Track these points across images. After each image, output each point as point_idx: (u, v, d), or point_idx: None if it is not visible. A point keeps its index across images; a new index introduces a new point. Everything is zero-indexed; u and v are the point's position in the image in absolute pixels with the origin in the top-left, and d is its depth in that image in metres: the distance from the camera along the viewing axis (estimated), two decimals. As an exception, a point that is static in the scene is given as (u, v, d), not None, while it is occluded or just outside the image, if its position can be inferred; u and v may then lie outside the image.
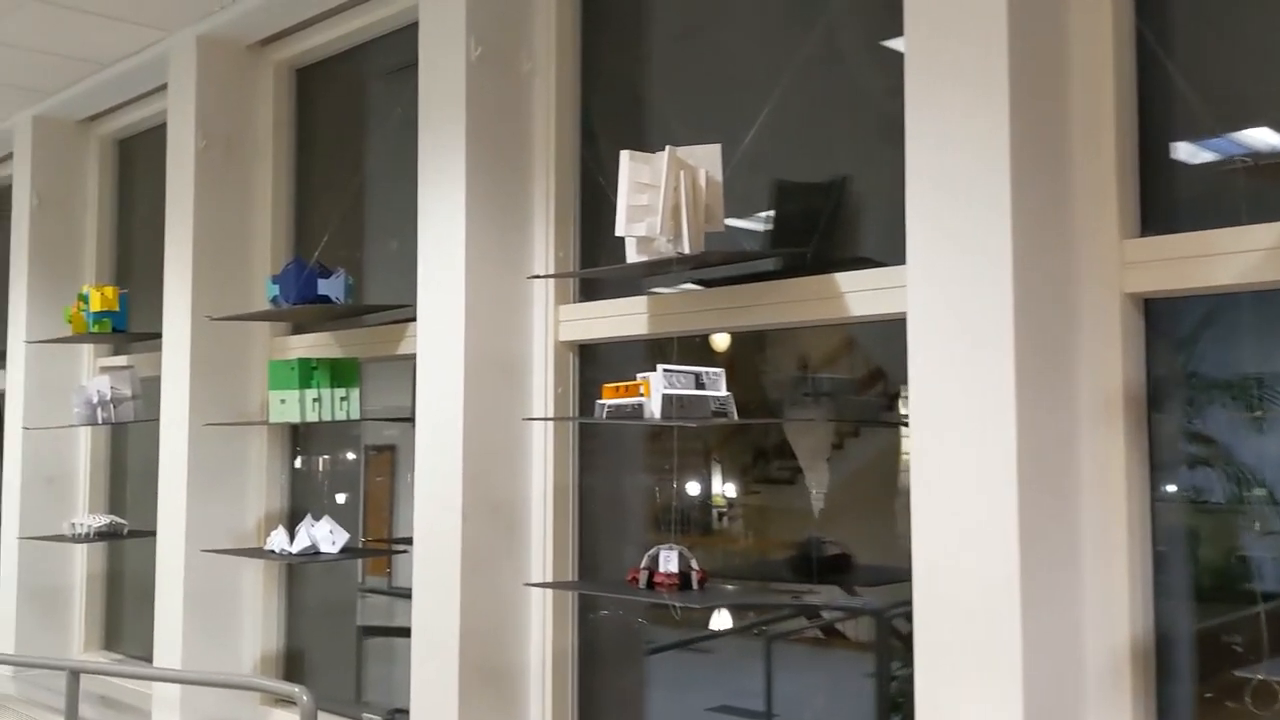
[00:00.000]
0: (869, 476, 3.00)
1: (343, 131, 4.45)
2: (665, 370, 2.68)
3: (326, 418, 3.75)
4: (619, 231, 2.74)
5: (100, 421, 4.65)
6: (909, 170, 2.28)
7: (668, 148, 2.68)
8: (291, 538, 3.79)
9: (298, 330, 4.37)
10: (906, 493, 2.50)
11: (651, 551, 2.75)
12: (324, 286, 3.77)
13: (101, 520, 4.71)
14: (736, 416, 2.65)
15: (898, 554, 2.94)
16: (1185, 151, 2.33)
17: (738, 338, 3.10)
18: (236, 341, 4.32)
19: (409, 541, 4.10)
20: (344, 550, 3.76)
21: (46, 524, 5.16)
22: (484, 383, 3.23)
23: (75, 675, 4.07)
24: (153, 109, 5.13)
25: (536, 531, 3.29)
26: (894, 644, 2.88)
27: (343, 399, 3.80)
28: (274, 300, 3.83)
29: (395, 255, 4.30)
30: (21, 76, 4.89)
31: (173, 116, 4.41)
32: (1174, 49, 2.27)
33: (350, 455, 4.46)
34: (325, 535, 3.75)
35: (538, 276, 3.22)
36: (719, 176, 2.73)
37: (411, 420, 4.01)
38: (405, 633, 4.33)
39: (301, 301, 3.72)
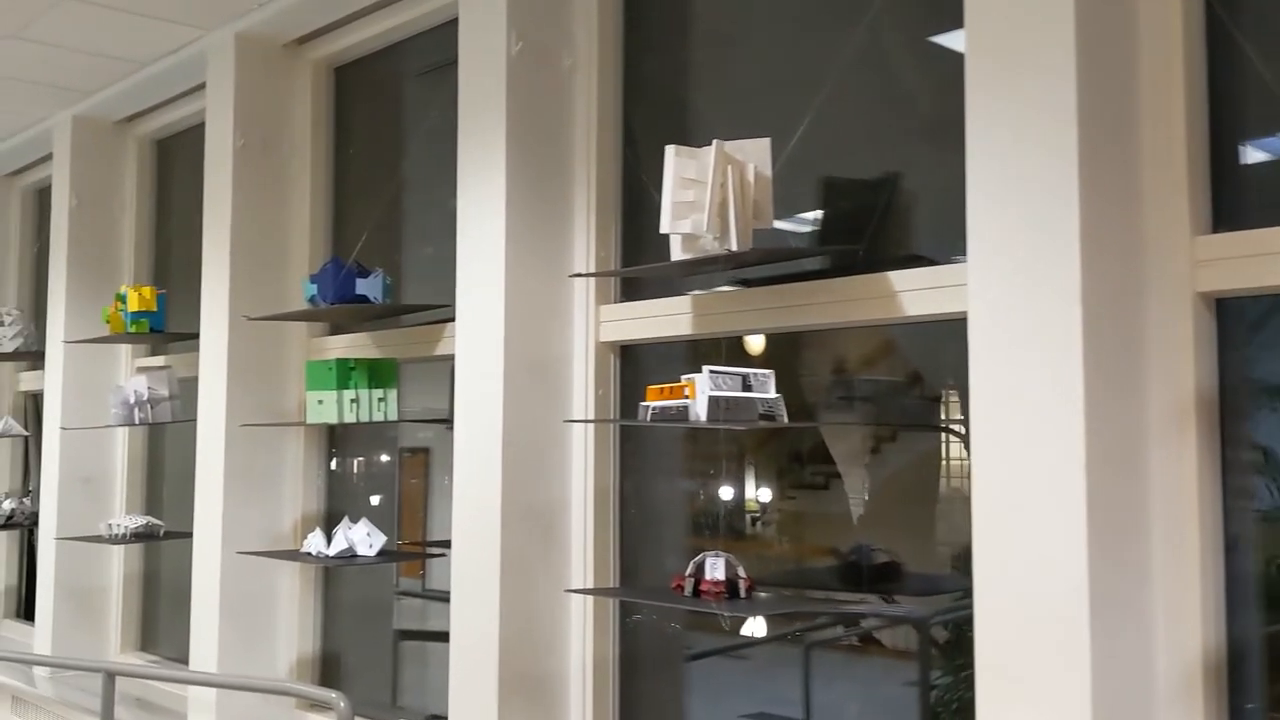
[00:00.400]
0: (908, 482, 2.92)
1: (380, 130, 4.41)
2: (711, 372, 2.61)
3: (364, 419, 3.71)
4: (664, 228, 2.67)
5: (138, 422, 4.63)
6: (970, 165, 2.20)
7: (715, 142, 2.61)
8: (328, 540, 3.74)
9: (335, 331, 4.34)
10: (949, 498, 2.43)
11: (697, 558, 2.68)
12: (362, 286, 3.73)
13: (138, 521, 4.69)
14: (786, 419, 2.57)
15: (939, 561, 2.87)
16: (1259, 145, 2.23)
17: (771, 340, 3.03)
18: (273, 342, 4.29)
19: (446, 544, 4.07)
20: (381, 553, 3.71)
21: (83, 525, 5.16)
22: (524, 384, 3.17)
23: (111, 677, 4.05)
24: (190, 109, 5.11)
25: (576, 536, 3.23)
26: (936, 652, 2.79)
27: (380, 400, 3.75)
28: (311, 300, 3.79)
29: (432, 255, 4.25)
30: (61, 76, 4.89)
31: (211, 115, 4.39)
32: (1247, 38, 2.18)
33: (385, 457, 4.42)
34: (362, 538, 3.70)
35: (580, 275, 3.15)
36: (768, 172, 2.66)
37: (447, 422, 3.97)
38: (441, 636, 4.28)
39: (339, 301, 3.68)
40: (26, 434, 5.98)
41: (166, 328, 4.73)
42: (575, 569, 3.22)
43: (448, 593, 4.28)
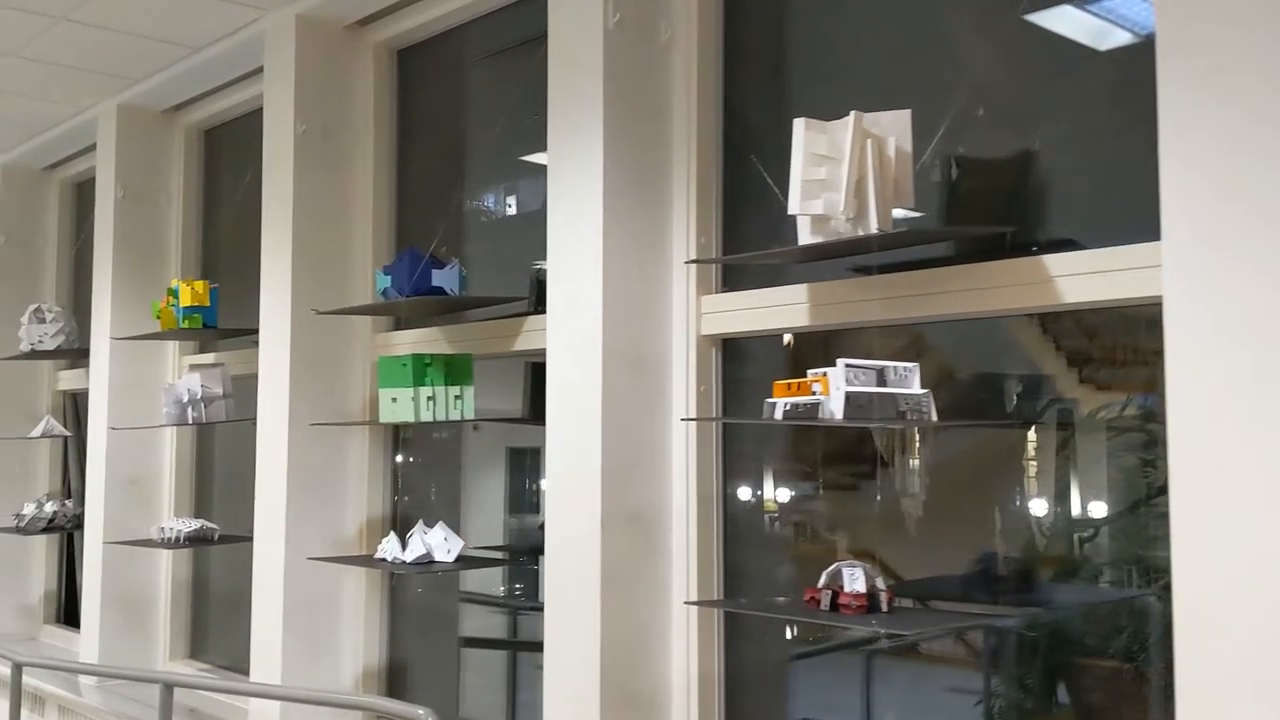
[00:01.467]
0: (1031, 483, 2.70)
1: (445, 116, 4.21)
2: (847, 365, 2.40)
3: (440, 418, 3.51)
4: (792, 210, 2.47)
5: (190, 421, 4.44)
6: (1164, 134, 1.98)
7: (853, 113, 2.40)
8: (403, 545, 3.55)
9: (400, 325, 4.14)
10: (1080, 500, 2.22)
11: (831, 569, 2.47)
12: (438, 277, 3.52)
13: (191, 525, 4.50)
14: (935, 416, 2.36)
15: (1079, 569, 2.66)
16: None
17: (879, 334, 2.81)
18: (337, 337, 4.09)
19: (524, 550, 3.86)
20: (459, 559, 3.51)
21: (130, 528, 4.97)
22: (622, 381, 2.96)
23: (169, 689, 3.86)
24: (239, 97, 4.93)
25: (679, 543, 3.02)
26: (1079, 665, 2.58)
27: (457, 397, 3.55)
28: (384, 292, 3.59)
29: (501, 246, 4.06)
30: (108, 62, 4.70)
31: (270, 101, 4.19)
32: None
33: (454, 457, 4.22)
34: (440, 543, 3.50)
35: (697, 261, 2.91)
36: (908, 147, 2.44)
37: (523, 420, 3.77)
38: (512, 645, 4.11)
39: (416, 293, 3.48)
40: (68, 434, 5.79)
41: (218, 323, 4.54)
42: (677, 578, 3.02)
43: (517, 598, 4.13)
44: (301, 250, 4.03)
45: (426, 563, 3.47)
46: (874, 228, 2.38)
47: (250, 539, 4.24)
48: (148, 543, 4.61)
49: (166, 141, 5.27)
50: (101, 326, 5.12)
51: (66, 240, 6.33)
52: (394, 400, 3.56)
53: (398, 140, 4.25)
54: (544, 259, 3.69)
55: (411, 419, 3.48)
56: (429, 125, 4.24)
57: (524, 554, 3.80)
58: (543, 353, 3.21)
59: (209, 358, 4.93)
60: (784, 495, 3.12)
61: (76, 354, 5.58)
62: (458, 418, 3.54)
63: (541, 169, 3.73)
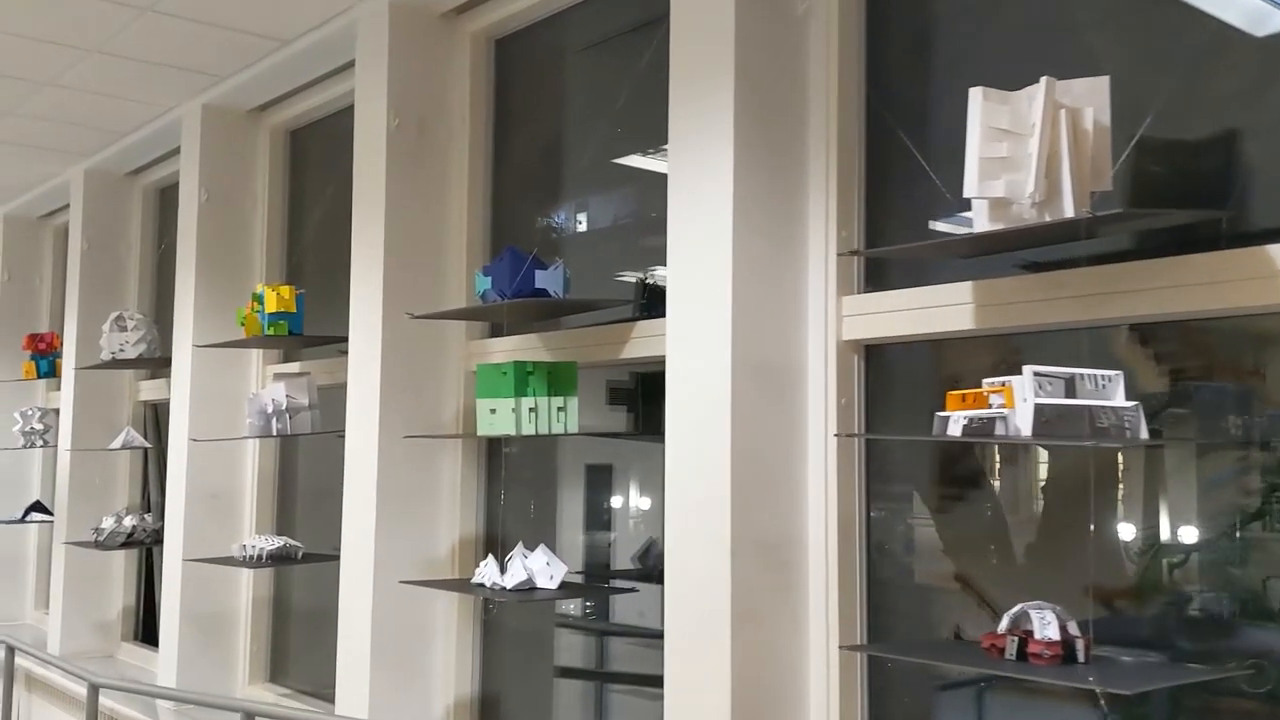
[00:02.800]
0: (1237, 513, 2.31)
1: (545, 109, 3.94)
2: (1036, 373, 2.06)
3: (542, 431, 3.21)
4: (968, 193, 2.14)
5: (275, 433, 4.22)
6: None
7: (1044, 80, 2.06)
8: (502, 569, 3.26)
9: (495, 332, 3.87)
10: None
11: (1014, 611, 2.12)
12: (541, 279, 3.24)
13: (274, 542, 4.26)
14: (1145, 433, 2.00)
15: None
16: None
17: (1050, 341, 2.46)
18: (429, 345, 3.83)
19: (635, 576, 3.55)
20: (562, 586, 3.20)
21: (209, 544, 4.77)
22: (754, 392, 2.64)
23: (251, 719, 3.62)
24: (326, 95, 4.73)
25: (816, 574, 2.68)
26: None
27: (560, 409, 3.25)
28: (483, 295, 3.32)
29: (601, 246, 3.78)
30: (194, 58, 4.51)
31: (361, 93, 3.96)
32: None
33: (552, 474, 3.93)
34: (542, 567, 3.20)
35: (858, 253, 2.56)
36: (1106, 120, 2.10)
37: (629, 436, 3.48)
38: (614, 678, 3.80)
39: (519, 296, 3.20)
40: (149, 446, 5.63)
41: (304, 330, 4.31)
42: (815, 614, 2.68)
43: (620, 625, 3.82)
44: (394, 252, 3.78)
45: (528, 589, 3.17)
46: (1068, 211, 2.04)
47: (335, 558, 4.00)
48: (229, 560, 4.38)
49: (251, 143, 5.08)
50: (183, 334, 4.93)
51: (149, 247, 6.20)
52: (493, 411, 3.27)
53: (494, 134, 3.98)
54: (646, 261, 3.44)
55: (512, 431, 3.19)
56: (527, 119, 3.97)
57: (630, 579, 3.48)
58: (651, 361, 2.95)
59: (294, 367, 4.72)
60: (934, 522, 2.77)
61: (158, 363, 5.41)
62: (560, 431, 3.25)
63: (643, 169, 3.48)
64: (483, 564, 3.31)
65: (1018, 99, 2.12)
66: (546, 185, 3.90)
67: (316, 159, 5.05)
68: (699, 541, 2.63)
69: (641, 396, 3.54)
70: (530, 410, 3.20)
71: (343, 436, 4.13)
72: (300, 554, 4.30)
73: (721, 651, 2.54)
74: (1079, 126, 2.07)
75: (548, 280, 3.25)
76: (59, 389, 6.37)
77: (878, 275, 2.75)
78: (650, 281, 3.47)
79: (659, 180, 2.90)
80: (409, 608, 3.71)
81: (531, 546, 3.22)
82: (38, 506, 6.51)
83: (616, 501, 3.78)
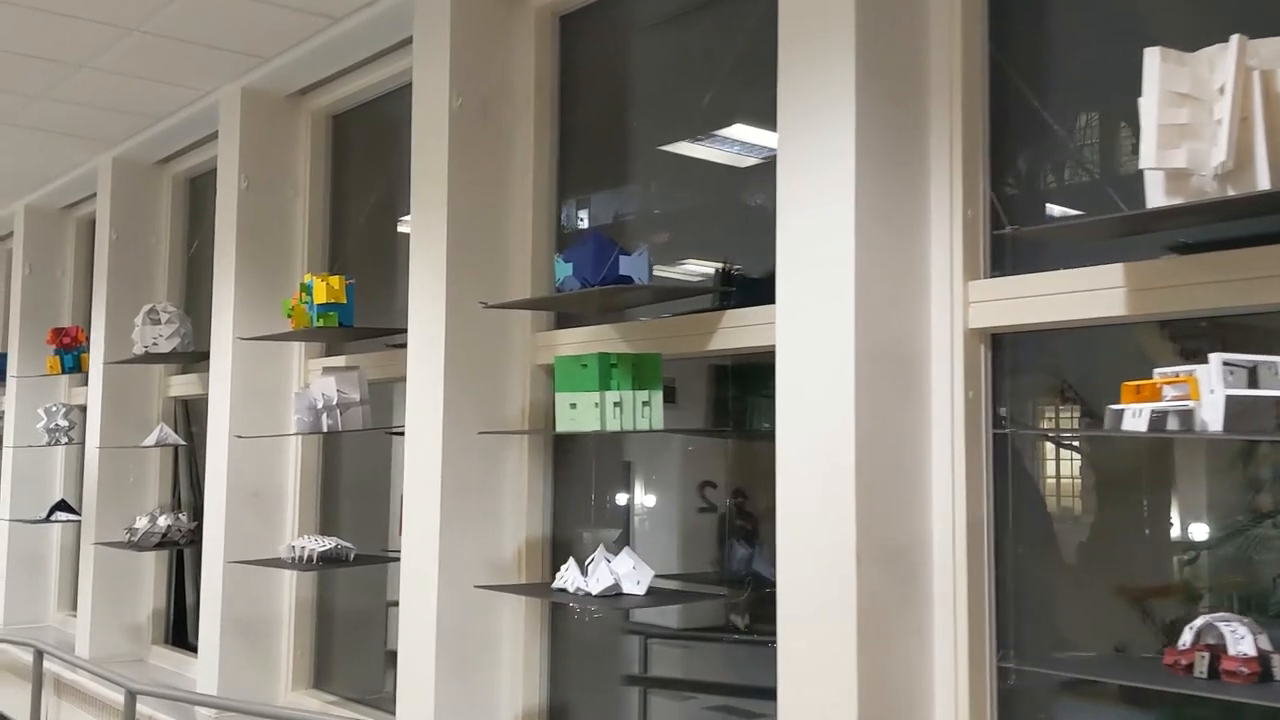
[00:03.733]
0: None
1: (612, 87, 3.74)
2: (1225, 362, 1.86)
3: (627, 427, 3.02)
4: (1145, 163, 1.95)
5: (325, 429, 4.02)
6: None
7: (1235, 38, 1.87)
8: (583, 572, 3.07)
9: (562, 323, 3.68)
10: None
11: (1196, 623, 1.93)
12: (626, 265, 3.04)
13: (324, 543, 4.07)
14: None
15: None
16: None
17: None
18: (494, 337, 3.63)
19: (713, 579, 3.36)
20: (650, 592, 3.01)
21: (251, 545, 4.58)
22: (878, 384, 2.45)
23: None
24: (372, 78, 4.54)
25: (942, 582, 2.49)
26: None
27: (644, 404, 3.06)
28: (562, 283, 3.12)
29: (670, 231, 3.58)
30: (237, 37, 4.31)
31: (421, 71, 3.75)
32: None
33: (619, 471, 3.74)
34: (628, 572, 3.01)
35: (1017, 231, 2.33)
36: (1302, 82, 1.90)
37: (724, 432, 3.28)
38: (693, 687, 3.60)
39: (604, 283, 3.00)
40: (184, 443, 5.43)
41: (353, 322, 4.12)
42: (940, 626, 2.48)
43: (692, 630, 3.62)
44: (458, 238, 3.58)
45: (614, 595, 2.98)
46: (1263, 183, 1.84)
47: (392, 559, 3.81)
48: (276, 563, 4.20)
49: (292, 128, 4.88)
50: (223, 327, 4.73)
51: (178, 238, 6.00)
52: (573, 406, 3.08)
53: (560, 116, 3.78)
54: (718, 248, 3.26)
55: (596, 427, 3.00)
56: (595, 100, 3.77)
57: (725, 586, 3.28)
58: (733, 353, 2.88)
59: (339, 360, 4.52)
60: (1073, 524, 2.58)
61: (193, 357, 5.22)
62: (645, 427, 3.05)
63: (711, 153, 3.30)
64: (564, 568, 3.12)
65: (1198, 60, 1.93)
66: (614, 169, 3.71)
67: (359, 144, 4.85)
68: (819, 548, 2.43)
69: (717, 392, 3.35)
70: (615, 405, 3.01)
71: (396, 433, 3.96)
72: (352, 555, 4.11)
73: (845, 672, 2.34)
74: (1271, 90, 1.87)
75: (632, 266, 3.05)
76: (84, 384, 6.19)
77: (1002, 259, 2.56)
78: (732, 270, 3.28)
79: (728, 165, 2.70)
80: (475, 613, 3.52)
81: (622, 550, 3.03)
82: (62, 505, 6.32)
83: (691, 500, 3.58)
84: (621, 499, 3.72)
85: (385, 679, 4.70)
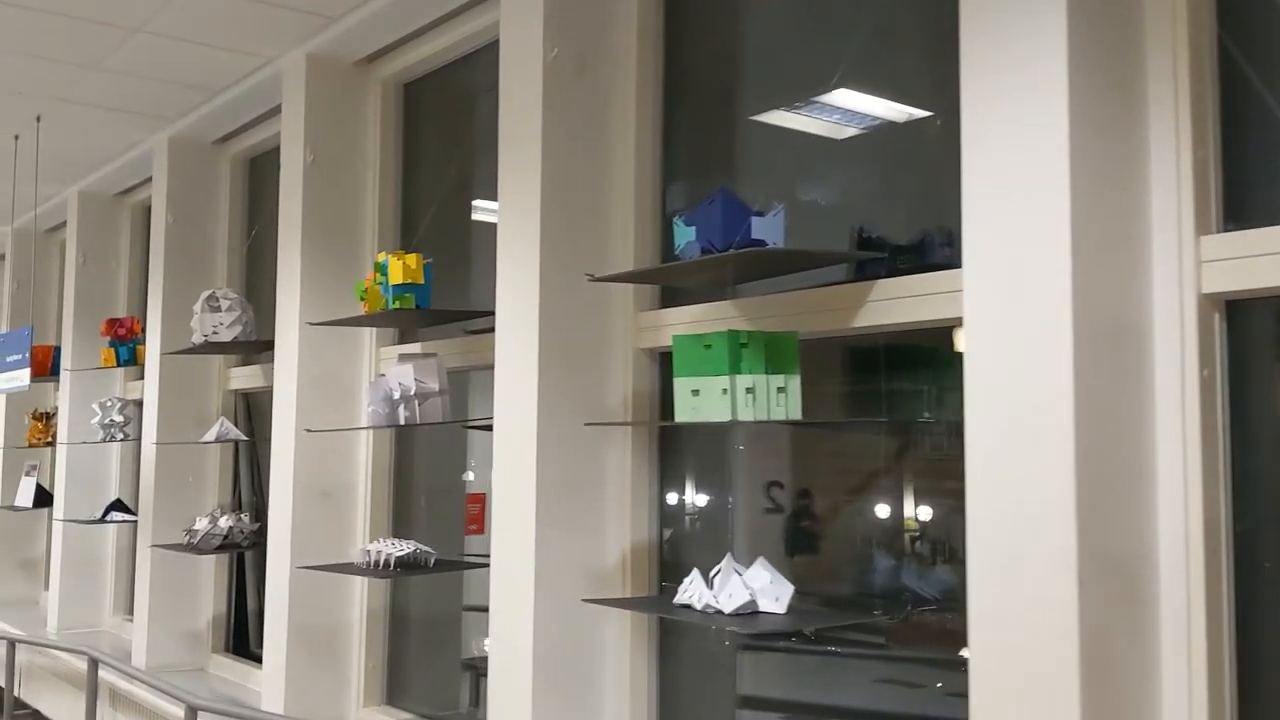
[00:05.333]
0: None
1: (722, 38, 3.32)
2: None
3: (760, 417, 2.59)
4: None
5: (403, 422, 3.64)
6: None
7: None
8: (709, 584, 2.65)
9: (667, 301, 3.27)
10: None
11: None
12: (759, 228, 2.62)
13: (403, 547, 3.69)
14: None
15: None
16: None
17: None
18: (591, 317, 3.24)
19: (875, 598, 2.91)
20: (791, 611, 2.58)
21: (319, 549, 4.22)
22: (1100, 363, 2.01)
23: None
24: (442, 42, 4.17)
25: (1171, 602, 2.04)
26: None
27: (780, 389, 2.64)
28: (681, 250, 2.70)
29: (788, 197, 3.16)
30: (301, -3, 3.95)
31: (510, 20, 3.35)
32: None
33: (733, 468, 3.31)
34: (765, 586, 2.59)
35: None
36: None
37: (879, 423, 2.85)
38: (827, 712, 3.18)
39: (735, 247, 2.58)
40: (246, 439, 5.09)
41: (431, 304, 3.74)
42: (1168, 655, 2.04)
43: (811, 645, 3.19)
44: (552, 206, 3.18)
45: (750, 613, 2.56)
46: None
47: (479, 565, 3.42)
48: (350, 568, 3.82)
49: (361, 97, 4.51)
50: (289, 312, 4.37)
51: (238, 221, 5.66)
52: (695, 393, 2.66)
53: (665, 70, 3.37)
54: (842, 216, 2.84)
55: (725, 417, 2.58)
56: (704, 51, 3.36)
57: (877, 603, 2.85)
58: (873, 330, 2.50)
59: (414, 348, 4.14)
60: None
61: (256, 346, 4.87)
62: (781, 417, 2.63)
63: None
64: (687, 581, 2.70)
65: None
66: (724, 129, 3.28)
67: (433, 115, 4.48)
68: (1026, 566, 1.99)
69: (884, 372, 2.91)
70: (747, 391, 2.59)
71: (478, 427, 3.57)
72: (433, 561, 3.72)
73: (1069, 709, 1.90)
74: None
75: (766, 229, 2.62)
76: (140, 378, 5.88)
77: (1240, 210, 2.10)
78: (869, 236, 2.85)
79: (861, 121, 2.27)
80: (577, 627, 3.13)
81: (756, 561, 2.61)
82: (118, 505, 6.02)
83: (827, 503, 3.14)
84: (740, 499, 3.29)
85: (462, 692, 4.33)
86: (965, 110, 2.16)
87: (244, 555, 5.42)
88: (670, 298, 3.28)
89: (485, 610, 4.11)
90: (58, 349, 6.58)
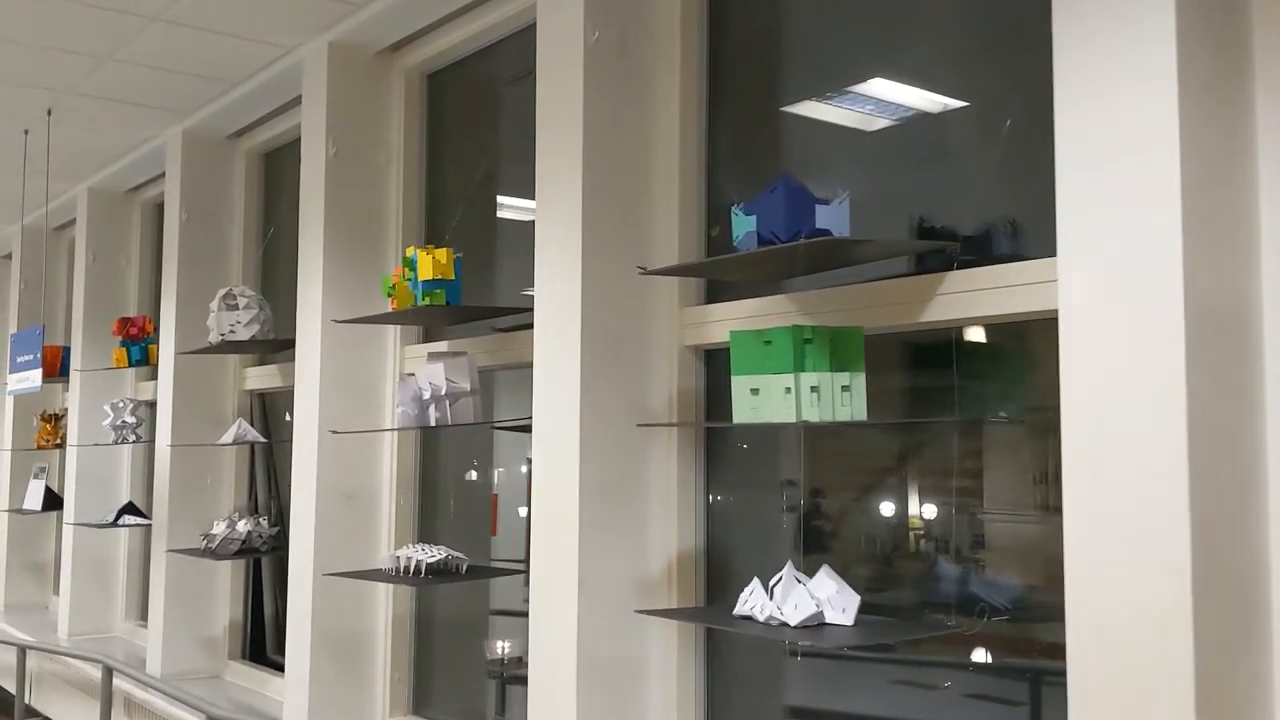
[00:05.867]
0: None
1: (768, 19, 3.18)
2: None
3: (825, 417, 2.45)
4: None
5: (433, 423, 3.50)
6: None
7: None
8: (770, 595, 2.51)
9: (714, 295, 3.13)
10: None
11: None
12: (823, 217, 2.47)
13: (434, 553, 3.54)
14: None
15: None
16: None
17: None
18: (635, 313, 3.09)
19: (943, 607, 2.76)
20: (859, 623, 2.44)
21: (342, 554, 4.09)
22: (1208, 358, 1.86)
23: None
24: (468, 30, 4.02)
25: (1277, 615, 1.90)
26: None
27: (844, 388, 2.50)
28: (740, 242, 2.56)
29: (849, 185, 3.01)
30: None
31: (548, 6, 3.21)
32: None
33: (787, 471, 3.17)
34: (831, 596, 2.44)
35: None
36: None
37: (950, 422, 2.70)
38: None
39: (799, 237, 2.43)
40: (264, 440, 4.95)
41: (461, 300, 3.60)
42: (1276, 666, 1.90)
43: (859, 652, 3.04)
44: (594, 194, 3.04)
45: (816, 625, 2.42)
46: None
47: (515, 572, 3.28)
48: (378, 575, 3.68)
49: (384, 88, 4.37)
50: (310, 310, 4.23)
51: (253, 218, 5.52)
52: (754, 393, 2.52)
53: (709, 53, 3.23)
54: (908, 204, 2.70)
55: (789, 418, 2.43)
56: (750, 33, 3.21)
57: (948, 613, 2.70)
58: (957, 324, 2.38)
59: (442, 346, 4.00)
60: None
61: (274, 345, 4.73)
62: (846, 417, 2.48)
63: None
64: (747, 590, 2.56)
65: None
66: (771, 115, 3.14)
67: (455, 106, 4.33)
68: (1131, 579, 1.85)
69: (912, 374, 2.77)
70: (812, 389, 2.44)
71: (515, 428, 3.43)
72: (464, 567, 3.58)
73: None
74: None
75: (830, 218, 2.48)
76: (153, 378, 5.74)
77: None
78: (931, 224, 2.71)
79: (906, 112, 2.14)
80: (622, 637, 2.98)
81: (820, 570, 2.47)
82: (130, 508, 5.87)
83: (886, 508, 3.00)
84: (795, 504, 3.15)
85: (489, 700, 4.19)
86: (1059, 82, 2.01)
87: (260, 560, 5.28)
88: (715, 292, 3.14)
89: (514, 615, 4.00)
90: (67, 349, 6.43)
